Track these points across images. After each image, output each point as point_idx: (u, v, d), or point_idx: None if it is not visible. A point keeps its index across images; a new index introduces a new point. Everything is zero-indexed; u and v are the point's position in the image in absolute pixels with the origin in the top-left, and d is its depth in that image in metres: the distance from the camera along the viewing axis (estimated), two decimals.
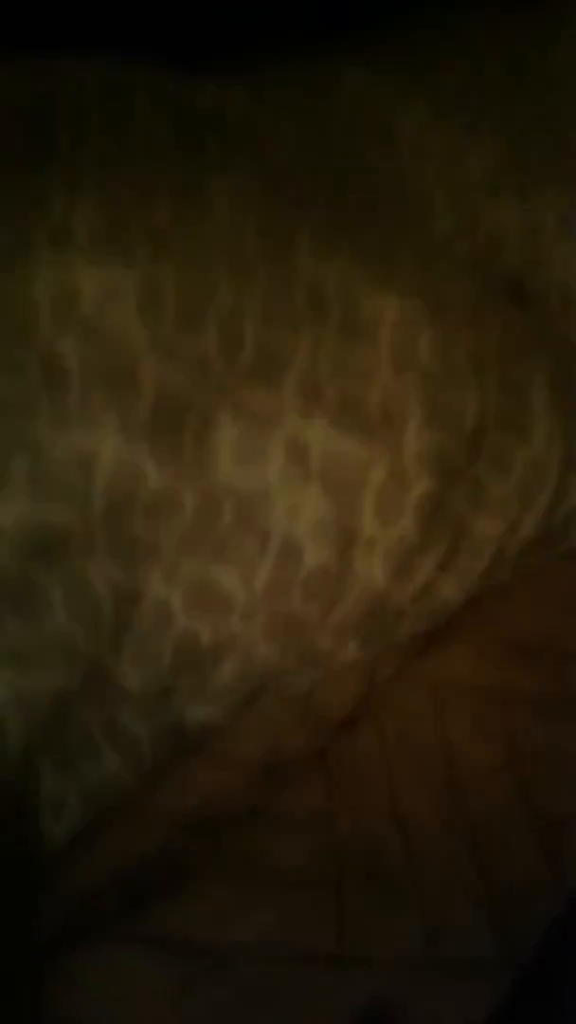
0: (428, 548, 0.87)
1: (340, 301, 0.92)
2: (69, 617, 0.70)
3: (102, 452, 0.72)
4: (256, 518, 0.79)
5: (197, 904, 0.65)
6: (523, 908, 0.68)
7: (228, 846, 0.69)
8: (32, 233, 0.82)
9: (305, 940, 0.64)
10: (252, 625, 0.78)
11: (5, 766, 0.65)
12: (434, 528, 0.88)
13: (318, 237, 0.97)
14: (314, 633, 0.81)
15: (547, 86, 1.31)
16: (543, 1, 1.45)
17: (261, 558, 0.78)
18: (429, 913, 0.66)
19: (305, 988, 0.63)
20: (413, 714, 0.82)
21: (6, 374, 0.73)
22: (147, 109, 1.03)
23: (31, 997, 0.61)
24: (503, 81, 1.30)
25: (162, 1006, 0.60)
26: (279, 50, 1.26)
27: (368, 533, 0.84)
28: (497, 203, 1.17)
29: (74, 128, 0.98)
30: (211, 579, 0.77)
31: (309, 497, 0.81)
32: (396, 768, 0.77)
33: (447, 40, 1.34)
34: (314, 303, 0.90)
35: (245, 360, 0.82)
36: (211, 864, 0.68)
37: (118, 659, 0.73)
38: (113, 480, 0.72)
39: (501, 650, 0.88)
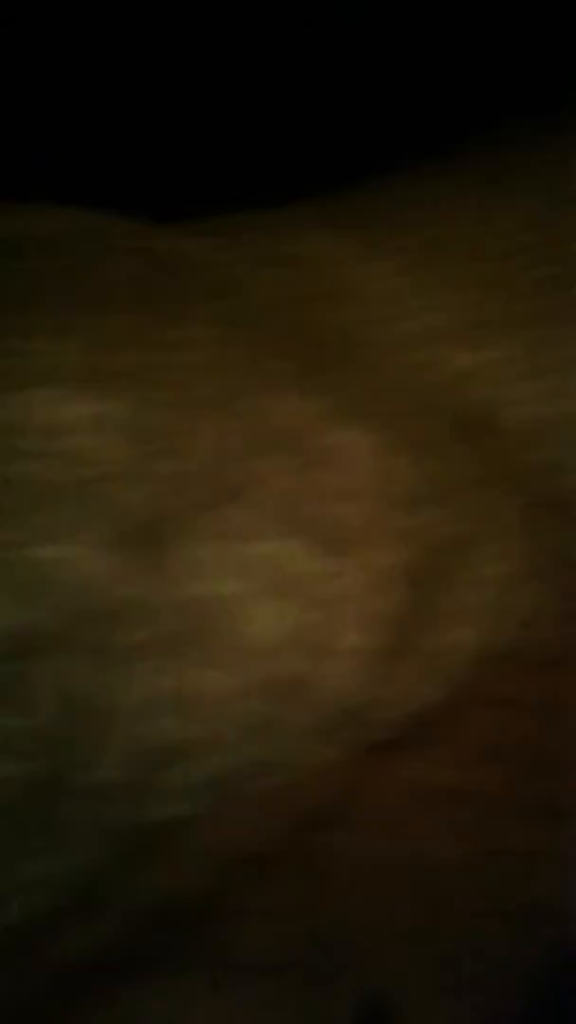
0: (405, 656, 0.91)
1: (316, 433, 1.00)
2: (54, 712, 0.75)
3: (79, 562, 0.79)
4: (235, 627, 0.84)
5: (167, 989, 0.66)
6: (491, 1000, 0.69)
7: (199, 935, 0.70)
8: (23, 372, 0.91)
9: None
10: (228, 726, 0.82)
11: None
12: (407, 638, 0.92)
13: (294, 375, 1.06)
14: (288, 735, 0.85)
15: (502, 254, 1.43)
16: (498, 181, 1.60)
17: (238, 664, 0.83)
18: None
19: None
20: (386, 815, 0.84)
21: None
22: (127, 256, 1.15)
23: None
24: (464, 247, 1.42)
25: None
26: (245, 206, 1.39)
27: (343, 642, 0.88)
28: (463, 348, 1.27)
29: (55, 267, 1.08)
30: (188, 682, 0.81)
31: (286, 609, 0.87)
32: (366, 866, 0.78)
33: (411, 209, 1.49)
34: (292, 435, 0.98)
35: (226, 483, 0.90)
36: (182, 952, 0.69)
37: (91, 753, 0.77)
38: (88, 587, 0.79)
39: (475, 754, 0.91)
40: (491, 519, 1.06)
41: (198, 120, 1.35)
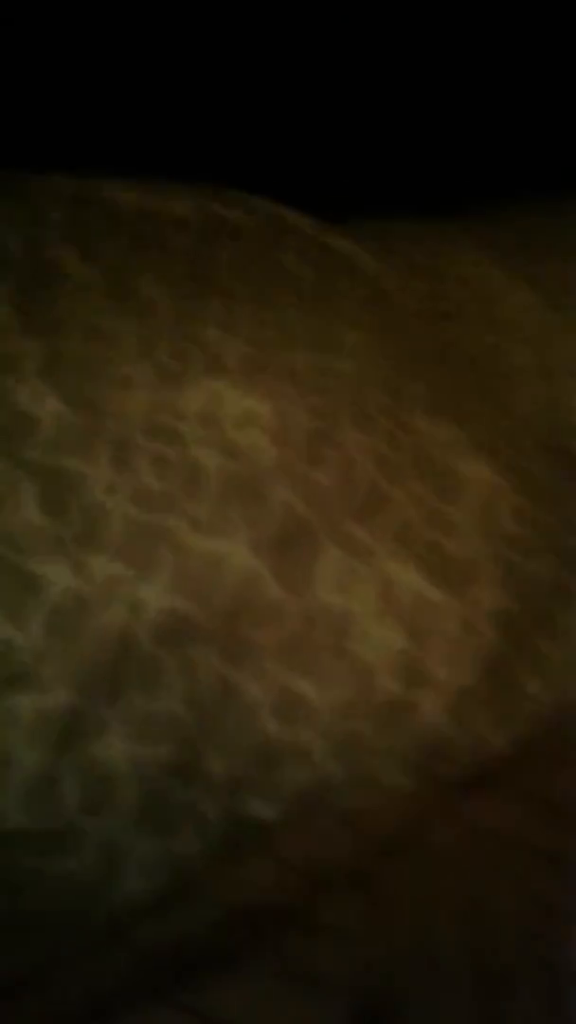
0: (486, 700, 0.93)
1: (441, 462, 1.01)
2: (180, 699, 0.78)
3: (232, 558, 0.81)
4: (344, 641, 0.87)
5: (238, 991, 0.69)
6: None
7: (275, 941, 0.73)
8: (190, 354, 0.93)
9: None
10: (322, 738, 0.85)
11: (119, 819, 0.72)
12: (493, 682, 0.94)
13: (431, 399, 1.07)
14: (372, 757, 0.88)
15: None
16: None
17: (341, 679, 0.86)
18: None
19: None
20: (448, 854, 0.86)
21: (156, 470, 0.83)
22: (296, 252, 1.15)
23: None
24: None
25: None
26: (399, 215, 1.39)
27: (435, 675, 0.91)
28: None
29: (235, 252, 1.09)
30: (297, 689, 0.84)
31: (390, 631, 0.89)
32: (424, 903, 0.81)
33: (554, 236, 1.47)
34: (419, 459, 0.99)
35: (356, 498, 0.91)
36: (254, 957, 0.72)
37: (208, 744, 0.80)
38: (238, 584, 0.81)
39: (532, 806, 0.93)
40: None
41: (370, 129, 1.34)
